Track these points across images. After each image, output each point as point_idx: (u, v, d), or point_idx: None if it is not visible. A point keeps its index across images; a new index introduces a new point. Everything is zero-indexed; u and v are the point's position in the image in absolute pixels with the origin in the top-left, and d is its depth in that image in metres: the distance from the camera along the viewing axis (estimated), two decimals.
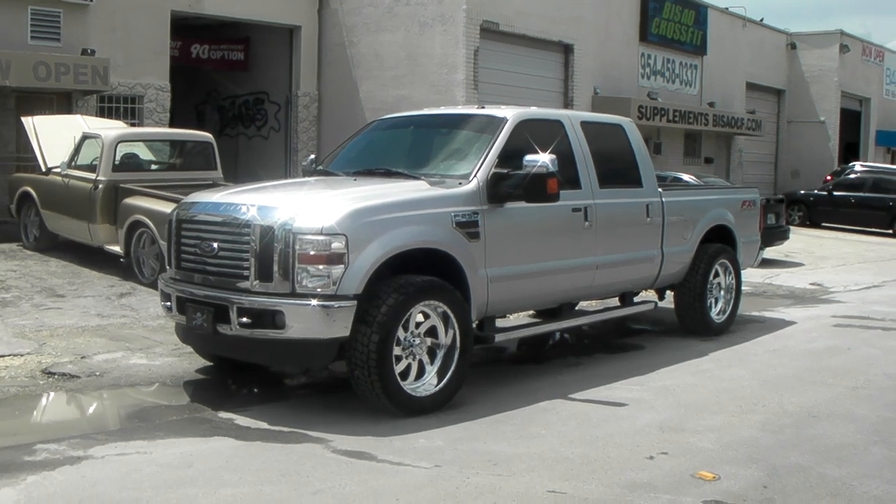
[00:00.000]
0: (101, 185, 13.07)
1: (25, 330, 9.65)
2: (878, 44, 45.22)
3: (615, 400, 7.73)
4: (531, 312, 10.66)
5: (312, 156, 10.07)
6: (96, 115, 18.49)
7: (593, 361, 9.47)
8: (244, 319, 6.87)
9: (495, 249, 7.85)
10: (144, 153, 14.61)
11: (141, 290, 12.01)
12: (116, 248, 12.88)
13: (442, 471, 5.88)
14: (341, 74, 23.66)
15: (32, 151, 15.14)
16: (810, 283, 16.30)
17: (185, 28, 23.17)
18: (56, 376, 8.05)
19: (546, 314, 9.99)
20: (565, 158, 8.58)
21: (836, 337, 11.11)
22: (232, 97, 26.34)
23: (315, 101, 24.18)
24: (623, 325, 11.42)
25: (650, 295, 10.87)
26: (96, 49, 18.82)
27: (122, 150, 13.64)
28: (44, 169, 14.56)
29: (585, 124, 9.40)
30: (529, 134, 8.43)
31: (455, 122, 9.26)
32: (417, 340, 7.18)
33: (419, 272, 7.28)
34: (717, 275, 10.89)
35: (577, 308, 10.02)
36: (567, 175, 8.55)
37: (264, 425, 6.77)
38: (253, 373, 8.44)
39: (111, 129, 14.48)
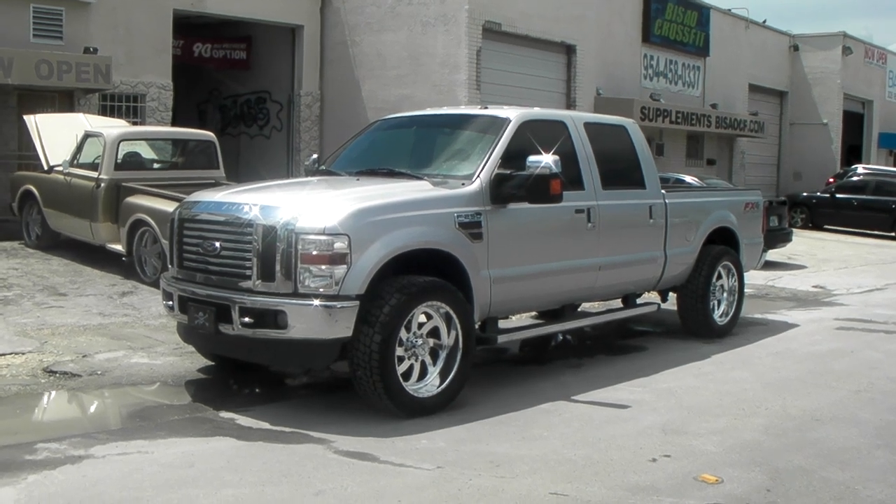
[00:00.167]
0: (103, 184, 13.06)
1: (27, 328, 9.63)
2: (881, 46, 45.23)
3: (617, 402, 7.71)
4: (533, 313, 10.64)
5: (315, 155, 10.06)
6: (98, 114, 18.51)
7: (595, 363, 9.45)
8: (246, 319, 6.85)
9: (498, 250, 7.83)
10: (147, 152, 14.61)
11: (143, 288, 12.00)
12: (118, 247, 12.86)
13: (444, 472, 5.86)
14: (343, 74, 23.65)
15: (34, 150, 15.13)
16: (813, 286, 16.28)
17: (188, 27, 23.17)
18: (57, 375, 8.03)
19: (548, 315, 9.99)
20: (568, 159, 8.57)
21: (839, 340, 11.09)
22: (234, 96, 26.34)
23: (317, 101, 24.17)
24: (625, 327, 11.40)
25: (653, 296, 10.85)
26: (98, 47, 18.82)
27: (125, 148, 13.63)
28: (46, 167, 14.55)
29: (588, 125, 9.38)
30: (532, 134, 8.42)
31: (458, 123, 9.24)
32: (420, 341, 7.16)
33: (422, 273, 7.26)
34: (719, 277, 10.87)
35: (579, 309, 10.00)
36: (570, 176, 8.52)
37: (266, 425, 6.75)
38: (255, 373, 8.42)
39: (113, 127, 14.47)
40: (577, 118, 9.45)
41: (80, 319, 10.21)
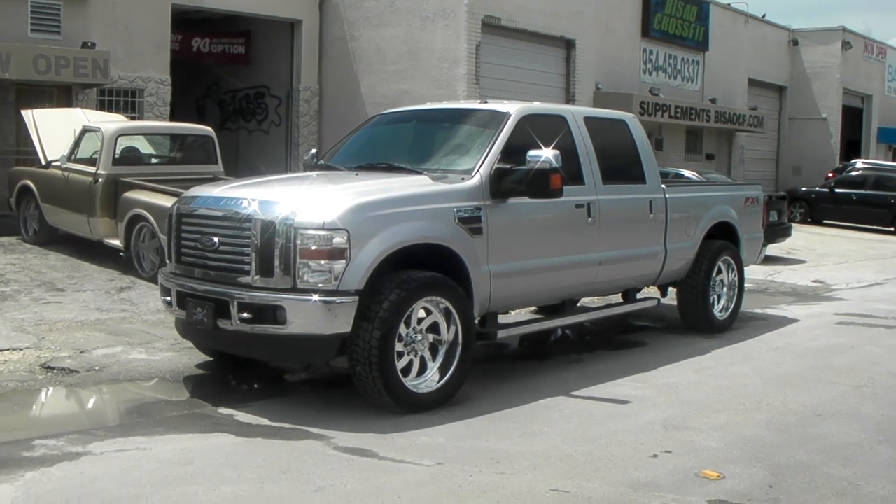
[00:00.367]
0: (101, 179, 13.01)
1: (24, 324, 9.60)
2: (880, 41, 45.16)
3: (618, 397, 7.68)
4: (533, 308, 10.60)
5: (314, 150, 10.01)
6: (96, 109, 18.44)
7: (595, 358, 9.42)
8: (245, 315, 6.82)
9: (498, 245, 7.79)
10: (145, 147, 14.57)
11: (141, 284, 11.96)
12: (116, 242, 12.82)
13: (444, 468, 5.82)
14: (342, 69, 23.60)
15: (32, 145, 15.07)
16: (812, 281, 16.25)
17: (186, 21, 23.13)
18: (55, 371, 8.00)
19: (548, 310, 9.94)
20: (568, 154, 8.52)
21: (840, 335, 11.06)
22: (232, 91, 26.29)
23: (316, 96, 24.12)
24: (625, 322, 11.36)
25: (652, 291, 10.82)
26: (96, 42, 18.76)
27: (123, 143, 13.58)
28: (44, 162, 14.50)
29: (589, 119, 9.34)
30: (532, 129, 8.38)
31: (458, 117, 9.19)
32: (419, 337, 7.13)
33: (421, 268, 7.22)
34: (719, 272, 10.84)
35: (578, 304, 9.97)
36: (570, 171, 8.48)
37: (265, 421, 6.72)
38: (253, 368, 8.38)
39: (111, 122, 14.42)
40: (577, 112, 9.41)
41: (78, 315, 10.17)
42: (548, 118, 8.99)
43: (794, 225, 22.37)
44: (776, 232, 18.32)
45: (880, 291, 15.29)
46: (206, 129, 15.11)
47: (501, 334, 8.30)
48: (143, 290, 11.64)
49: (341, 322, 6.72)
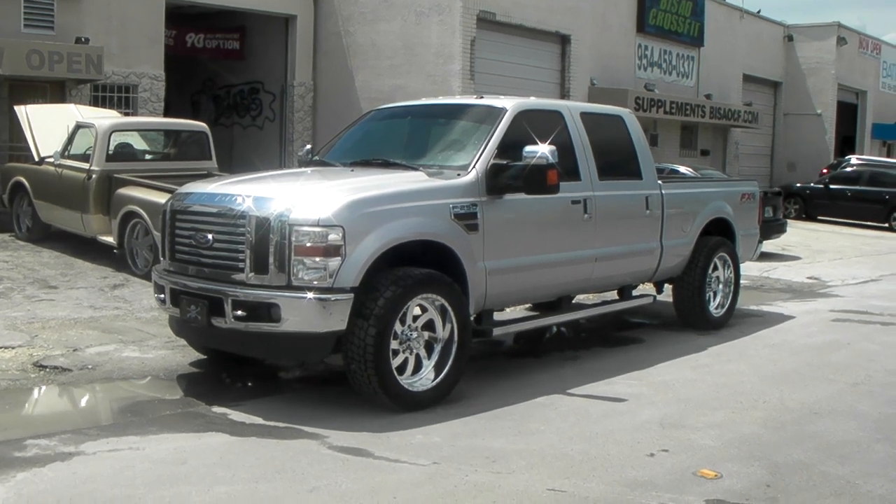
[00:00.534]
0: (94, 175, 12.95)
1: (17, 322, 9.53)
2: (875, 36, 45.19)
3: (614, 395, 7.63)
4: (528, 305, 10.56)
5: (308, 146, 9.95)
6: (90, 105, 18.39)
7: (591, 355, 9.38)
8: (239, 312, 6.77)
9: (494, 241, 7.75)
10: (139, 143, 14.50)
11: (134, 281, 11.90)
12: (110, 239, 12.76)
13: (440, 468, 5.78)
14: (337, 64, 23.54)
15: (25, 141, 15.02)
16: (808, 277, 16.23)
17: (180, 17, 23.05)
18: (48, 369, 7.94)
19: (543, 307, 9.90)
20: (565, 150, 8.47)
21: (836, 332, 11.03)
22: (227, 87, 26.23)
23: (310, 91, 24.06)
24: (621, 319, 11.33)
25: (648, 288, 10.78)
26: (90, 37, 18.69)
27: (116, 139, 13.53)
28: (37, 158, 14.44)
29: (585, 115, 9.29)
30: (529, 125, 8.33)
31: (453, 113, 9.14)
32: (415, 334, 7.08)
33: (417, 264, 7.18)
34: (715, 268, 10.80)
35: (574, 301, 9.93)
36: (566, 166, 8.42)
37: (259, 420, 6.67)
38: (247, 366, 8.32)
39: (105, 118, 14.36)
40: (573, 108, 9.36)
41: (71, 313, 10.11)
42: (544, 114, 8.95)
43: (788, 221, 22.35)
44: (771, 228, 18.32)
45: (875, 288, 15.26)
46: (201, 126, 15.04)
47: (497, 332, 8.24)
48: (137, 287, 11.58)
49: (336, 319, 6.67)
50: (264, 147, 24.75)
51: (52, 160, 13.78)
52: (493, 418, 6.90)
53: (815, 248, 21.69)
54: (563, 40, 25.20)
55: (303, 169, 8.87)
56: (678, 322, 10.78)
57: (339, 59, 23.51)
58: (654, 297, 10.50)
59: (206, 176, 12.05)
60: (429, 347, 7.22)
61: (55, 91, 18.87)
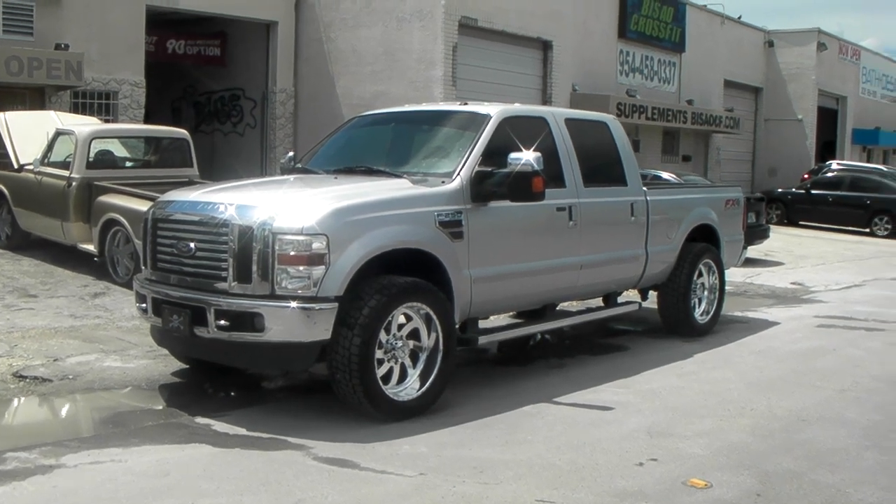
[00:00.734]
0: (74, 183, 12.82)
1: None
2: (854, 42, 45.41)
3: (601, 403, 7.58)
4: (512, 313, 10.49)
5: (291, 153, 9.87)
6: (70, 111, 18.25)
7: (577, 363, 9.32)
8: (222, 322, 6.68)
9: (479, 249, 7.68)
10: (119, 150, 14.37)
11: (115, 289, 11.78)
12: (90, 247, 12.64)
13: (427, 479, 5.71)
14: (318, 70, 23.48)
15: (4, 148, 14.84)
16: (791, 283, 16.22)
17: (161, 23, 22.94)
18: (27, 380, 7.82)
19: (527, 315, 9.85)
20: (550, 156, 8.42)
21: (821, 338, 11.01)
22: (208, 93, 26.13)
23: (291, 98, 23.99)
24: (605, 326, 11.28)
25: (633, 295, 10.74)
26: (70, 44, 18.56)
27: (97, 146, 13.40)
28: (16, 166, 14.29)
29: (569, 121, 9.25)
30: (513, 131, 8.28)
31: (437, 119, 9.08)
32: (400, 343, 7.01)
33: (402, 272, 7.11)
34: (700, 274, 10.77)
35: (558, 308, 9.88)
36: (551, 173, 8.36)
37: (243, 431, 6.58)
38: (230, 376, 8.22)
39: (85, 125, 14.23)
40: (558, 114, 9.32)
41: (52, 322, 10.00)
42: (529, 120, 8.90)
43: (771, 227, 22.37)
44: (754, 234, 18.29)
45: (859, 293, 15.28)
46: (182, 132, 14.93)
47: (482, 340, 8.18)
48: (118, 295, 11.46)
49: (321, 329, 6.60)
50: (245, 154, 24.66)
51: (31, 167, 13.64)
52: (480, 428, 6.83)
53: (797, 253, 21.71)
54: (545, 46, 25.23)
55: (286, 176, 8.80)
56: (663, 329, 10.74)
57: (320, 66, 23.44)
58: (640, 303, 10.45)
59: (188, 183, 11.95)
60: (414, 356, 7.15)
61: (34, 97, 18.73)
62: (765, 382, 8.55)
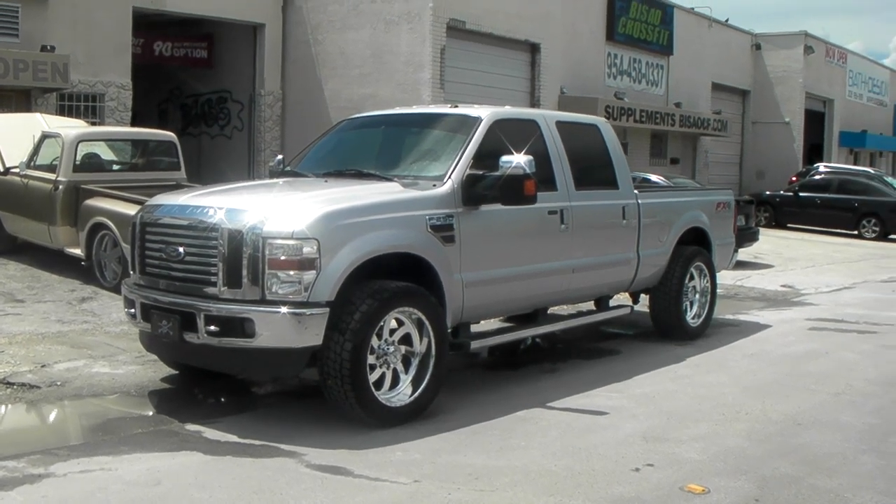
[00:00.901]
0: (61, 186, 12.71)
1: None
2: (840, 45, 45.57)
3: (595, 408, 7.51)
4: (502, 317, 10.42)
5: (280, 156, 9.77)
6: (56, 114, 18.11)
7: (570, 367, 9.26)
8: (212, 327, 6.59)
9: (471, 253, 7.62)
10: (106, 153, 14.26)
11: (103, 294, 11.68)
12: (77, 251, 12.52)
13: (421, 486, 5.63)
14: (306, 73, 23.40)
15: None
16: (781, 285, 16.21)
17: (148, 25, 22.84)
18: (15, 386, 7.71)
19: (519, 319, 9.77)
20: (541, 159, 8.33)
21: (813, 341, 10.98)
22: (195, 95, 26.02)
23: (279, 100, 23.90)
24: (597, 330, 11.21)
25: (625, 298, 10.68)
26: (56, 45, 18.44)
27: (83, 149, 13.29)
28: (2, 169, 14.16)
29: (560, 124, 9.19)
30: (504, 134, 8.21)
31: (428, 122, 9.01)
32: (392, 348, 6.93)
33: (393, 277, 7.04)
34: (692, 278, 10.72)
35: (550, 312, 9.80)
36: (543, 176, 8.29)
37: (234, 438, 6.49)
38: (220, 381, 8.13)
39: (72, 128, 14.12)
40: (549, 117, 9.25)
41: (39, 327, 9.88)
42: (520, 123, 8.84)
43: (760, 229, 22.37)
44: (744, 236, 18.27)
45: (850, 296, 15.26)
46: (169, 135, 14.82)
47: (475, 345, 8.10)
48: (106, 300, 11.36)
49: (312, 334, 6.52)
50: (233, 157, 24.55)
51: (17, 171, 13.53)
52: (474, 433, 6.76)
53: (787, 255, 21.71)
54: (533, 49, 25.20)
55: (275, 180, 8.71)
56: (655, 332, 10.69)
57: (307, 68, 23.36)
58: (631, 307, 10.41)
59: (176, 187, 11.87)
60: (406, 362, 7.08)
61: (20, 100, 18.60)
62: (759, 386, 8.50)
